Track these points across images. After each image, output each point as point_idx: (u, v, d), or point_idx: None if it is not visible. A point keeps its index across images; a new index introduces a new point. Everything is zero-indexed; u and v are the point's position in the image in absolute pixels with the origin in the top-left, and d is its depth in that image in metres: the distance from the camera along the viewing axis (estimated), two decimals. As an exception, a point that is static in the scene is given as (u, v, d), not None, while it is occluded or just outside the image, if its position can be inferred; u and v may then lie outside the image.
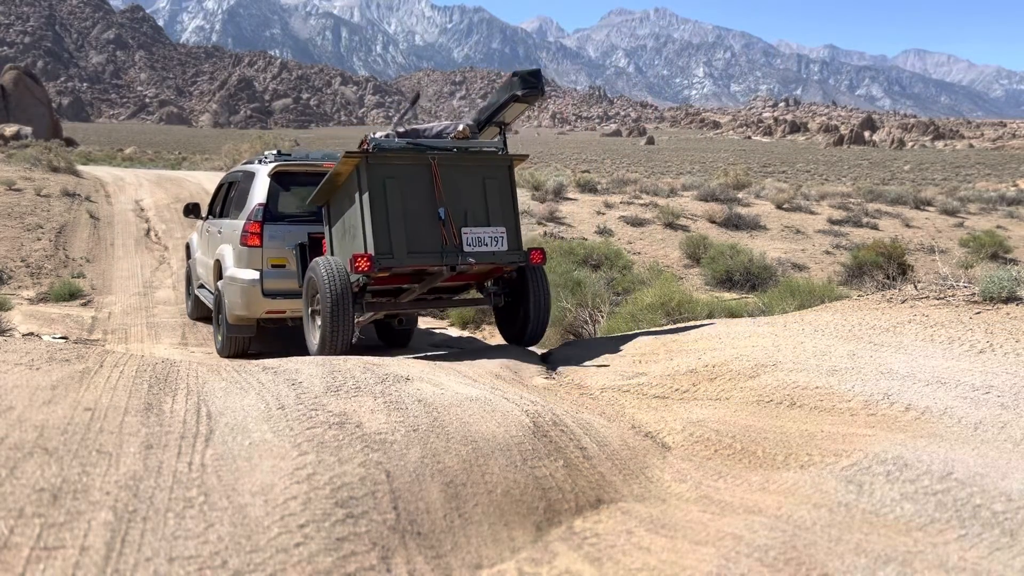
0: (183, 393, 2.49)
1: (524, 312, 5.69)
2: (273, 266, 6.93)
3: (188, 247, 10.05)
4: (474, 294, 6.31)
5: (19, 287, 11.13)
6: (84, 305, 10.29)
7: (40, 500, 1.77)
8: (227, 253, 7.60)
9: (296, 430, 2.23)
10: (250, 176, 7.67)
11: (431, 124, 5.66)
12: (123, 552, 1.66)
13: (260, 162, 7.72)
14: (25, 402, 2.17)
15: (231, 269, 7.29)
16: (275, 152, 7.70)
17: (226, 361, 5.02)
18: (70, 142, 45.48)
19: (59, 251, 12.89)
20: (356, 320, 5.27)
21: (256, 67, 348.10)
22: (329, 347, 5.10)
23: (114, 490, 1.85)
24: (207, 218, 9.05)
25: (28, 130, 39.58)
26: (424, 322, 10.31)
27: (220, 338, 7.56)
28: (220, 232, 8.12)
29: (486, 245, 5.26)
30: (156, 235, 14.52)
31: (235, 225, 7.52)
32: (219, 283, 7.64)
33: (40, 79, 60.58)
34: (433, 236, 5.15)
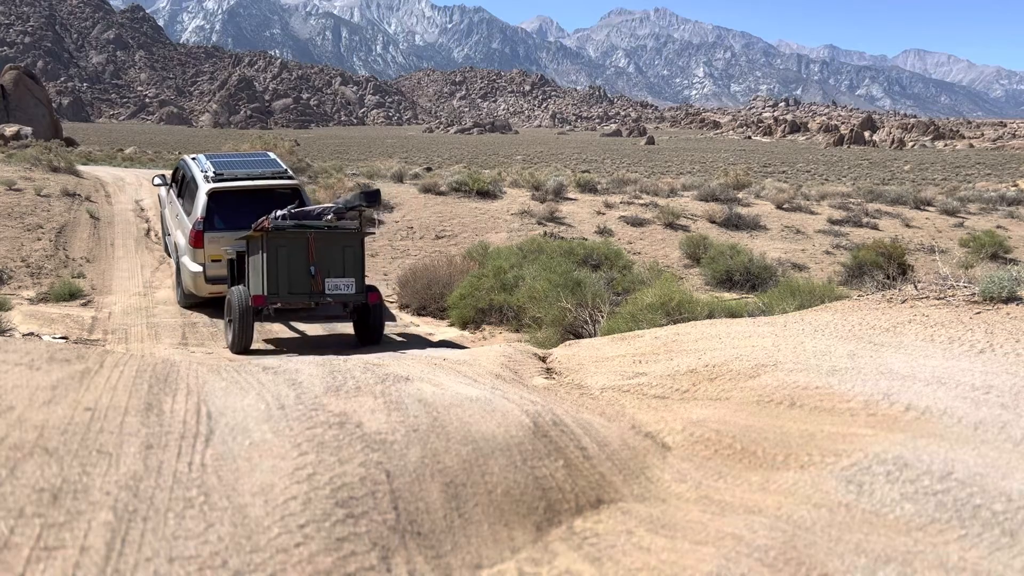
0: (183, 393, 2.49)
1: (366, 326, 8.63)
2: (213, 260, 9.54)
3: (160, 199, 13.08)
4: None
5: (19, 287, 11.13)
6: (84, 305, 10.29)
7: (40, 500, 1.77)
8: (181, 242, 10.14)
9: (296, 430, 2.23)
10: (194, 184, 10.08)
11: (314, 207, 8.55)
12: (123, 552, 1.66)
13: (203, 174, 10.06)
14: (25, 402, 2.17)
15: (184, 258, 9.85)
16: (213, 172, 10.04)
17: (226, 361, 5.10)
18: (70, 142, 45.43)
19: (59, 251, 12.88)
20: (255, 324, 8.12)
21: (256, 67, 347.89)
22: (238, 346, 7.96)
23: (114, 490, 1.85)
24: (171, 186, 11.71)
25: (28, 130, 39.55)
26: (424, 322, 10.32)
27: (179, 294, 10.25)
28: (177, 216, 10.67)
29: (340, 289, 8.14)
30: (156, 235, 14.51)
31: (187, 223, 10.00)
32: (178, 259, 10.19)
33: (40, 79, 60.51)
34: (306, 283, 8.03)
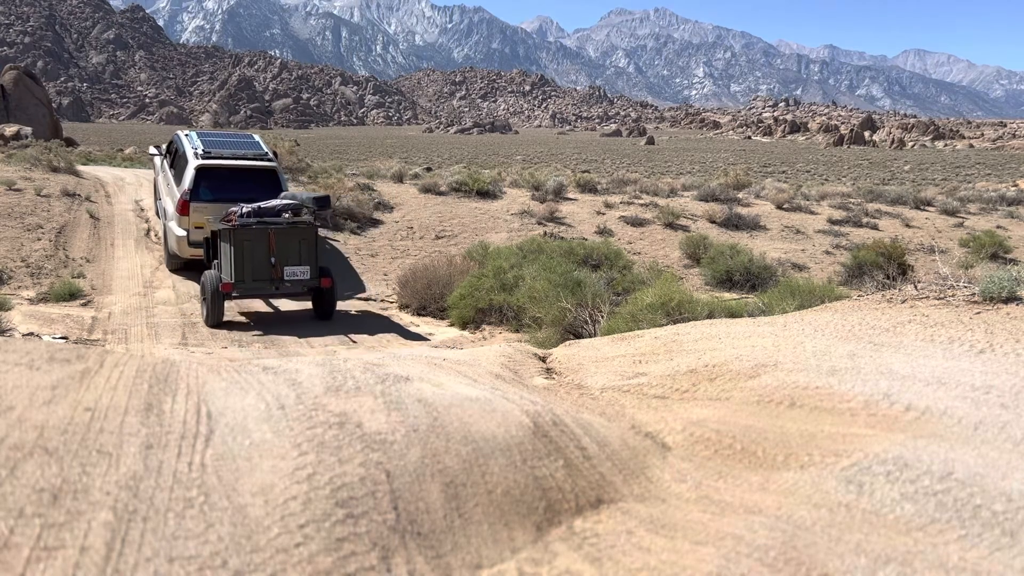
0: (183, 393, 2.48)
1: (321, 304, 10.12)
2: (196, 227, 10.91)
3: (155, 166, 14.39)
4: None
5: (19, 287, 11.12)
6: (84, 305, 10.29)
7: (40, 500, 1.77)
8: (169, 209, 11.57)
9: (296, 430, 2.23)
10: (184, 159, 11.39)
11: (275, 202, 9.72)
12: (123, 552, 1.66)
13: (193, 151, 11.30)
14: (25, 402, 2.17)
15: (172, 223, 11.30)
16: (202, 150, 11.36)
17: (226, 361, 5.13)
18: (70, 142, 45.37)
19: (59, 251, 12.87)
20: (225, 304, 9.58)
21: (256, 67, 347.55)
22: (210, 320, 9.36)
23: (114, 490, 1.85)
24: (165, 156, 13.16)
25: (28, 130, 39.47)
26: (424, 322, 10.32)
27: (166, 255, 11.83)
28: (168, 185, 12.12)
29: (297, 276, 9.55)
30: (156, 235, 14.50)
31: (176, 192, 11.35)
32: (165, 223, 11.72)
33: (40, 79, 60.41)
34: (267, 272, 9.44)
